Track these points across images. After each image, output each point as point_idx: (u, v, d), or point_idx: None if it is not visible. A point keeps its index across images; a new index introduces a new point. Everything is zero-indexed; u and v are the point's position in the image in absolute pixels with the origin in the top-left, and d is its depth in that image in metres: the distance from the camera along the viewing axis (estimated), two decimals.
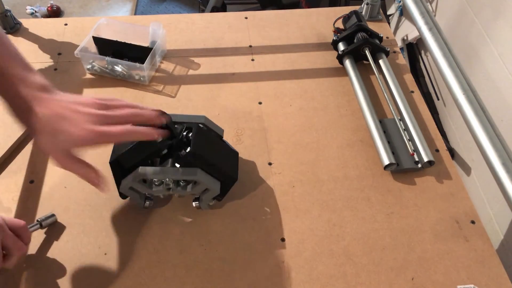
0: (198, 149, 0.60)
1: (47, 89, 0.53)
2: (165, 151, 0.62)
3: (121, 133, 0.52)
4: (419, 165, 0.74)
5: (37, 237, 0.63)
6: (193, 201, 0.66)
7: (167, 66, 0.90)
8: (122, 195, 0.65)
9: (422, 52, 1.53)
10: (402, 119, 0.81)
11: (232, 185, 0.66)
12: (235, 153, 0.69)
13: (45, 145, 0.51)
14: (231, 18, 1.01)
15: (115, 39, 0.86)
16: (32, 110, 0.51)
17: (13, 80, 0.52)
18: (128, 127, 0.53)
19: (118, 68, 0.85)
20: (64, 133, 0.51)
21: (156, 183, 0.61)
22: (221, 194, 0.65)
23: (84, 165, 0.54)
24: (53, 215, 0.65)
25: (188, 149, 0.59)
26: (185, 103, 0.83)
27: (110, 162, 0.62)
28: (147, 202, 0.66)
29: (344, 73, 0.90)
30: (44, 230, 0.64)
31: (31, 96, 0.52)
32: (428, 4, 1.47)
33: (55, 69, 0.87)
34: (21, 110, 0.52)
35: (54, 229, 0.65)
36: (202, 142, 0.61)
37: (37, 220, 0.63)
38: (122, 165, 0.62)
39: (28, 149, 0.74)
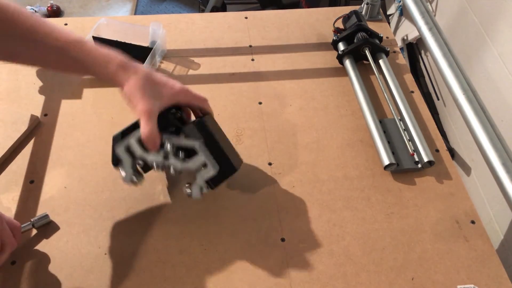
0: (205, 122, 0.62)
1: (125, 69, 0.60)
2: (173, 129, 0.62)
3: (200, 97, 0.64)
4: (419, 165, 0.74)
5: (37, 237, 0.64)
6: (185, 187, 0.62)
7: (167, 66, 0.90)
8: (115, 161, 0.62)
9: (422, 52, 1.53)
10: (402, 119, 0.81)
11: (230, 175, 0.63)
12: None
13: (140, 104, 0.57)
14: (231, 18, 1.01)
15: (115, 39, 0.86)
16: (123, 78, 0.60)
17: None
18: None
19: None
20: (162, 89, 0.59)
21: None
22: (216, 180, 0.61)
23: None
24: (46, 216, 0.64)
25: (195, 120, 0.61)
26: None
27: (113, 136, 0.63)
28: (135, 177, 0.62)
29: (344, 73, 0.90)
30: (44, 230, 0.64)
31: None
32: (428, 4, 1.47)
33: None
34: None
35: (54, 229, 0.65)
36: (210, 123, 0.64)
37: (30, 221, 0.63)
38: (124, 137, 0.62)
39: (28, 149, 0.74)
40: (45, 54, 0.58)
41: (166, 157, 0.60)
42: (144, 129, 0.57)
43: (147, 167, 0.64)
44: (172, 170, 0.60)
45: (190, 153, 0.61)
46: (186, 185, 0.62)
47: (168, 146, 0.60)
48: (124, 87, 0.59)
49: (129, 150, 0.61)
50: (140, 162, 0.62)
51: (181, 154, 0.60)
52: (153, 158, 0.60)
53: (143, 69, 0.60)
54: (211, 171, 0.60)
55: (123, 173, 0.62)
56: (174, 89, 0.61)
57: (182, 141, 0.60)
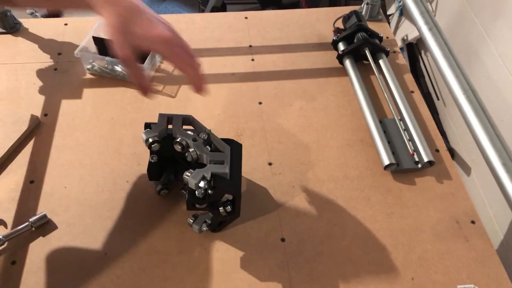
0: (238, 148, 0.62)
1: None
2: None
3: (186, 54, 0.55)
4: (419, 165, 0.74)
5: (37, 237, 0.64)
6: (189, 217, 0.64)
7: (167, 66, 0.90)
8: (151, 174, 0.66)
9: (422, 52, 1.53)
10: (402, 119, 0.81)
11: (231, 221, 0.64)
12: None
13: (114, 30, 0.51)
14: (231, 18, 1.01)
15: None
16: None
17: None
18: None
19: (118, 68, 0.85)
20: (141, 26, 0.52)
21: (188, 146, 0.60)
22: (217, 224, 0.64)
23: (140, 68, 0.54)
24: (44, 216, 0.65)
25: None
26: (185, 103, 0.83)
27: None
28: (163, 190, 0.67)
29: (344, 73, 0.90)
30: (44, 230, 0.64)
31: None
32: (428, 4, 1.47)
33: (55, 69, 0.87)
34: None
35: (54, 229, 0.65)
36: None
37: (29, 221, 0.63)
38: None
39: (28, 149, 0.74)
40: None
41: (195, 139, 0.60)
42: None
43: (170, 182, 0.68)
44: (193, 152, 0.60)
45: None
46: (192, 218, 0.64)
47: (203, 136, 0.60)
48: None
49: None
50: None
51: (209, 147, 0.61)
52: (184, 137, 0.60)
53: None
54: (224, 169, 0.59)
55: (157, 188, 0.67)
56: (153, 33, 0.54)
57: (216, 141, 0.61)
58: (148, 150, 0.62)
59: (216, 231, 0.65)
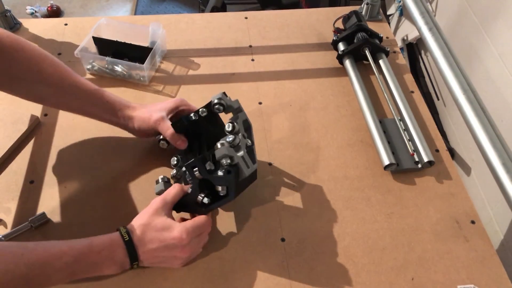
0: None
1: (134, 108, 0.70)
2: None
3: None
4: (419, 165, 0.74)
5: (37, 237, 0.63)
6: (200, 196, 0.62)
7: (167, 66, 0.90)
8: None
9: (422, 52, 1.53)
10: (402, 119, 0.81)
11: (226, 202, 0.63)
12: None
13: None
14: (231, 18, 1.01)
15: (115, 39, 0.86)
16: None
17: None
18: None
19: (118, 68, 0.85)
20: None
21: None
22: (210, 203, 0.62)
23: None
24: (44, 215, 0.65)
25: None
26: None
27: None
28: (162, 141, 0.69)
29: (344, 73, 0.90)
30: (44, 230, 0.64)
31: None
32: (428, 4, 1.46)
33: None
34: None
35: (54, 229, 0.65)
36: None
37: (28, 221, 0.63)
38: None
39: (28, 149, 0.74)
40: (70, 100, 0.68)
41: (244, 136, 0.64)
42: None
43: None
44: (237, 138, 0.62)
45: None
46: (201, 195, 0.62)
47: (248, 142, 0.64)
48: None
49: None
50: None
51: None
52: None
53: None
54: (248, 171, 0.61)
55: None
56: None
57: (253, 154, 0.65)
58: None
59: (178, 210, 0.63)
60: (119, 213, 0.67)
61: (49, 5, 2.26)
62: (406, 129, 0.79)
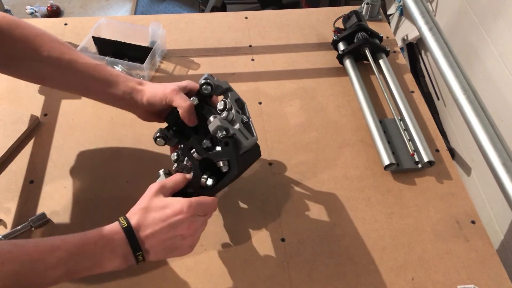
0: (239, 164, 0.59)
1: (141, 83, 0.65)
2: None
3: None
4: (419, 165, 0.74)
5: (37, 237, 0.63)
6: (203, 178, 0.60)
7: (167, 66, 0.90)
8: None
9: (422, 52, 1.53)
10: (402, 119, 0.81)
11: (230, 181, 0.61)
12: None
13: None
14: (231, 18, 1.01)
15: (115, 39, 0.86)
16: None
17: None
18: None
19: (118, 68, 0.85)
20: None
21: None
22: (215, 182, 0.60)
23: None
24: (43, 215, 0.65)
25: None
26: None
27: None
28: (159, 139, 0.64)
29: (344, 73, 0.90)
30: (44, 230, 0.64)
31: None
32: (428, 4, 1.46)
33: None
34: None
35: (54, 229, 0.65)
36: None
37: (28, 221, 0.63)
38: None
39: (28, 149, 0.74)
40: (70, 76, 0.63)
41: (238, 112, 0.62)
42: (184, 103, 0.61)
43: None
44: (231, 114, 0.61)
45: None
46: (204, 176, 0.60)
47: (245, 119, 0.63)
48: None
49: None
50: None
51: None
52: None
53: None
54: (248, 142, 0.59)
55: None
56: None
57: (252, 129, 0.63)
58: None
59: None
60: (119, 213, 0.67)
61: (49, 5, 2.26)
62: (406, 129, 0.79)
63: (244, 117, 0.63)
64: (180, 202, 0.54)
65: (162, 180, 0.58)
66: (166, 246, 0.53)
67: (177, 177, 0.58)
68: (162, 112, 0.64)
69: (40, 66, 0.62)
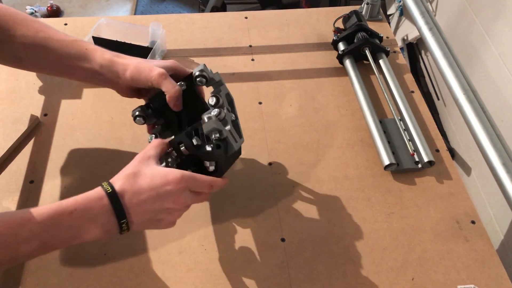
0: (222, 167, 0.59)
1: (119, 55, 0.61)
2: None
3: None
4: (419, 165, 0.74)
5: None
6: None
7: None
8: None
9: (422, 52, 1.53)
10: (402, 119, 0.81)
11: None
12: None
13: None
14: (231, 18, 1.01)
15: (115, 39, 0.86)
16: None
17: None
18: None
19: None
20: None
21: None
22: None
23: None
24: None
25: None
26: None
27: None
28: (138, 118, 0.61)
29: (344, 73, 0.90)
30: None
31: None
32: (428, 4, 1.47)
33: None
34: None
35: None
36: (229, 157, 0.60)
37: None
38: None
39: (28, 149, 0.74)
40: (46, 55, 0.60)
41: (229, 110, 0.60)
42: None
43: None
44: (222, 113, 0.57)
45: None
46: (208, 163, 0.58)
47: (233, 117, 0.61)
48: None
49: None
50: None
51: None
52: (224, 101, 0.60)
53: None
54: (236, 146, 0.58)
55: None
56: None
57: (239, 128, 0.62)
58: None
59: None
60: None
61: (49, 5, 2.26)
62: (406, 129, 0.79)
63: (233, 115, 0.62)
64: (173, 173, 0.51)
65: (143, 151, 0.54)
66: (150, 217, 0.50)
67: (156, 142, 0.55)
68: (144, 89, 0.62)
69: (15, 47, 0.60)
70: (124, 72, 0.59)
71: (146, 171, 0.51)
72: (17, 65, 0.64)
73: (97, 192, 0.48)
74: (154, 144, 0.55)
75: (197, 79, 0.60)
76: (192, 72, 0.61)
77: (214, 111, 0.56)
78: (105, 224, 0.48)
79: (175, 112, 0.62)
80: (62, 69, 0.62)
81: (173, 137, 0.57)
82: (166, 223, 0.52)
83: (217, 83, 0.62)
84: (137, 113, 0.61)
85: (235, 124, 0.62)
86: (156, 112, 0.63)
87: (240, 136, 0.61)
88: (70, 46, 0.60)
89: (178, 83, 0.60)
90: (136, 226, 0.50)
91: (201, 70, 0.60)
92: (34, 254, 0.46)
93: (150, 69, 0.58)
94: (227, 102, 0.63)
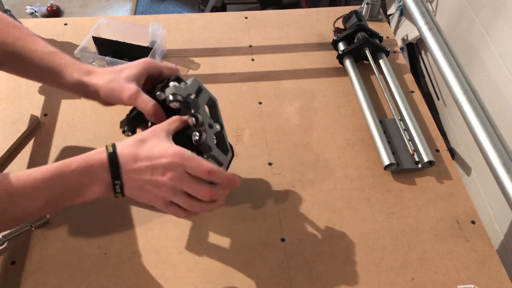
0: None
1: (89, 72, 0.60)
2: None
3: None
4: (419, 165, 0.74)
5: (37, 237, 0.63)
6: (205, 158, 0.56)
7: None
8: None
9: (422, 52, 1.53)
10: (402, 119, 0.81)
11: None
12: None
13: None
14: (231, 18, 1.01)
15: (115, 39, 0.86)
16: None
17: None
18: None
19: None
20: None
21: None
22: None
23: None
24: (43, 216, 0.64)
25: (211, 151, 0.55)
26: None
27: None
28: (126, 132, 0.60)
29: (344, 73, 0.90)
30: (44, 230, 0.64)
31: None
32: (428, 4, 1.47)
33: None
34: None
35: (54, 229, 0.65)
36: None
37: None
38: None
39: (28, 149, 0.74)
40: (26, 66, 0.60)
41: (211, 126, 0.57)
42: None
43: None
44: (203, 136, 0.54)
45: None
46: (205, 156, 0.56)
47: (217, 127, 0.59)
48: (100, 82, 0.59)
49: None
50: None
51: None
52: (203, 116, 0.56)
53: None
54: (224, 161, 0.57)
55: None
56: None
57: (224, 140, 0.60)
58: None
59: None
60: (119, 212, 0.67)
61: (49, 5, 2.26)
62: (406, 129, 0.79)
63: (217, 126, 0.58)
64: (173, 148, 0.50)
65: (158, 125, 0.53)
66: (140, 186, 0.50)
67: (174, 119, 0.55)
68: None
69: None
70: (96, 93, 0.59)
71: (151, 140, 0.51)
72: (0, 68, 0.63)
73: (99, 151, 0.50)
74: (171, 120, 0.55)
75: (170, 104, 0.55)
76: (166, 79, 0.58)
77: (195, 136, 0.54)
78: (103, 182, 0.49)
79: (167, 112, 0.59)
80: (39, 79, 0.63)
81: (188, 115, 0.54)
82: (151, 197, 0.51)
83: (196, 92, 0.58)
84: (125, 128, 0.60)
85: (220, 135, 0.59)
86: (139, 116, 0.60)
87: (226, 151, 0.59)
88: (46, 59, 0.60)
89: (157, 93, 0.56)
90: (128, 191, 0.51)
91: (173, 94, 0.54)
92: (41, 211, 0.49)
93: (121, 89, 0.57)
94: (209, 105, 0.60)
